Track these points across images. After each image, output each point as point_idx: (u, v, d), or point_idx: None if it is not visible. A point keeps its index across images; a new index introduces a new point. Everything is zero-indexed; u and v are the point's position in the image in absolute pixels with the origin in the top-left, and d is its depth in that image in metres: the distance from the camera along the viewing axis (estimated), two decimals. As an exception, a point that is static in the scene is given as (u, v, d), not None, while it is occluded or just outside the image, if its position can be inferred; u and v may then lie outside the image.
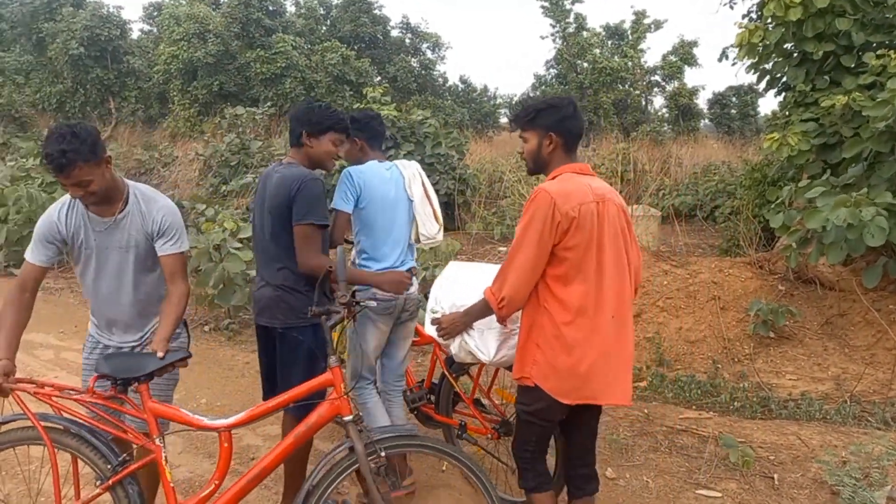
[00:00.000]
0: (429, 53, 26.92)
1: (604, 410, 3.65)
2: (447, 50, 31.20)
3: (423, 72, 26.21)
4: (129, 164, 12.61)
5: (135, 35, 23.13)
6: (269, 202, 2.54)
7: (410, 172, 3.03)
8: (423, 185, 3.06)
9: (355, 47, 23.23)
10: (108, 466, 2.10)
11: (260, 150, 10.25)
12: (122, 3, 51.96)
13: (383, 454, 2.11)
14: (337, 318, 2.17)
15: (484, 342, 2.50)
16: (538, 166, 2.40)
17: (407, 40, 26.60)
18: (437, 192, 3.72)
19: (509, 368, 2.50)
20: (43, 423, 2.10)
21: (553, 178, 2.30)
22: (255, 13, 19.42)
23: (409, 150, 8.44)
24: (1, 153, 12.87)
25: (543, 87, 27.49)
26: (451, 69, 74.85)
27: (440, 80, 28.01)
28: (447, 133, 9.11)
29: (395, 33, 26.23)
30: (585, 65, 24.99)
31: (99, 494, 2.15)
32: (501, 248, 7.72)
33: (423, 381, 3.38)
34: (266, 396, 2.66)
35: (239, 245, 5.61)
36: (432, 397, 3.26)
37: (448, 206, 8.58)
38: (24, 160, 10.03)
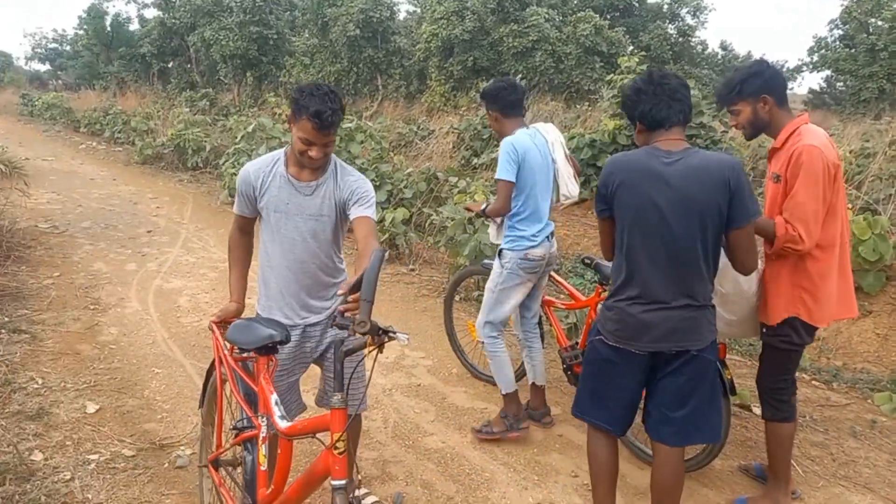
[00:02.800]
0: (688, 19, 25.07)
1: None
2: (709, 13, 28.75)
3: (680, 39, 24.51)
4: (392, 136, 13.64)
5: (401, 16, 24.94)
6: (702, 197, 2.13)
7: (553, 136, 3.21)
8: (564, 147, 3.26)
9: (608, 17, 22.48)
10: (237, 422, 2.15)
11: (511, 124, 10.42)
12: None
13: None
14: (356, 344, 1.78)
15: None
16: (758, 129, 2.67)
17: (665, 6, 25.02)
18: None
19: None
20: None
21: (792, 133, 2.54)
22: (510, -12, 19.67)
23: (666, 123, 7.94)
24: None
25: (823, 51, 24.11)
26: (712, 35, 68.74)
27: (699, 47, 26.00)
28: (710, 103, 8.37)
29: (651, 0, 24.85)
30: (880, 23, 21.35)
31: (225, 450, 2.28)
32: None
33: (577, 342, 3.52)
34: (623, 425, 2.42)
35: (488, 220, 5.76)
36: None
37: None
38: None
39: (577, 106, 14.20)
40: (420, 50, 20.56)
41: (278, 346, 2.10)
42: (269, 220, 2.38)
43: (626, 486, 3.02)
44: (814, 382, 4.29)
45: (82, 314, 5.03)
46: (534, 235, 3.15)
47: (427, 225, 7.17)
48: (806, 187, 2.42)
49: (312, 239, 2.38)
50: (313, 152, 2.22)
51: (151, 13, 28.98)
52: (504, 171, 3.01)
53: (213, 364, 2.42)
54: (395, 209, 6.84)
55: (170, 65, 28.05)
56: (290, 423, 1.89)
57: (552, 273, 3.53)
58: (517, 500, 2.90)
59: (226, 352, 2.25)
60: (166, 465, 3.04)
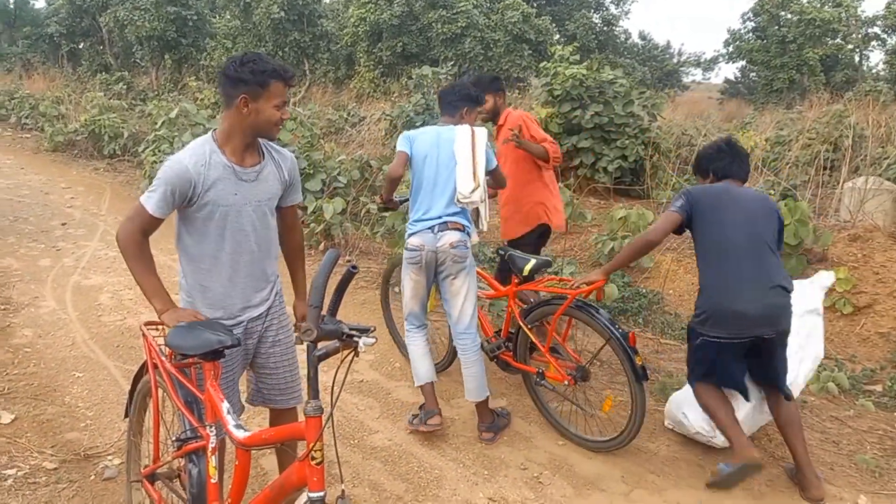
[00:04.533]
0: (612, 8, 25.64)
1: (843, 421, 3.33)
2: (632, 4, 29.51)
3: (604, 28, 25.04)
4: (322, 123, 13.33)
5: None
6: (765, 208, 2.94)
7: (462, 137, 3.19)
8: (471, 147, 3.16)
9: (535, 4, 22.69)
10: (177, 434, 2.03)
11: (443, 111, 10.36)
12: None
13: None
14: (330, 349, 1.76)
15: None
16: (495, 115, 4.05)
17: (589, -5, 25.52)
18: (625, 156, 5.85)
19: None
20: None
21: (507, 115, 3.97)
22: (438, -27, 19.55)
23: (597, 110, 8.04)
24: (213, 112, 14.23)
25: (738, 43, 25.16)
26: (632, 25, 70.57)
27: (622, 36, 26.65)
28: (640, 92, 8.55)
29: (577, -12, 25.24)
30: (790, 16, 22.44)
31: (165, 463, 2.16)
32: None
33: (499, 331, 3.68)
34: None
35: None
36: (510, 346, 3.55)
37: (635, 173, 8.10)
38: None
39: (507, 94, 14.28)
40: (348, 34, 20.19)
41: (224, 351, 1.97)
42: (212, 216, 2.15)
43: (574, 475, 3.04)
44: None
45: (-9, 315, 4.66)
46: (414, 222, 3.23)
47: (363, 214, 7.03)
48: (538, 127, 3.89)
49: (262, 228, 2.26)
50: (283, 114, 2.14)
51: (58, -10, 27.23)
52: (398, 145, 3.28)
53: (140, 370, 2.26)
54: (330, 199, 6.66)
55: (80, 46, 26.43)
56: (248, 433, 1.78)
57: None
58: (468, 496, 2.86)
59: (162, 357, 2.09)
60: (93, 477, 2.83)
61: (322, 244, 6.62)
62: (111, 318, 4.81)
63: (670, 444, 3.33)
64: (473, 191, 3.13)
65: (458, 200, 3.16)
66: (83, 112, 13.39)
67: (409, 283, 3.30)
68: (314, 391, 1.70)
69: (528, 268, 3.34)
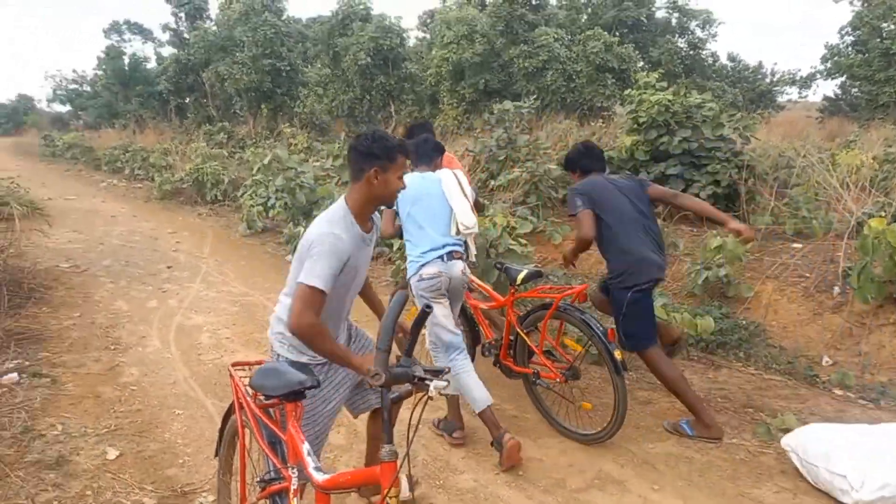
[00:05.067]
0: (698, 32, 25.00)
1: None
2: (719, 26, 28.64)
3: (690, 52, 24.43)
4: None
5: (411, 42, 25.13)
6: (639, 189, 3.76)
7: (448, 179, 3.63)
8: (463, 187, 3.66)
9: (617, 33, 22.45)
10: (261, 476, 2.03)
11: (527, 144, 10.33)
12: (401, 13, 56.68)
13: None
14: (403, 392, 1.78)
15: None
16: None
17: (673, 20, 25.01)
18: (717, 181, 6.14)
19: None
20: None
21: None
22: (518, 9, 19.74)
23: (685, 136, 7.79)
24: (306, 156, 14.87)
25: (837, 58, 23.86)
26: (720, 47, 68.46)
27: (709, 59, 25.87)
28: (731, 115, 8.23)
29: (660, 14, 24.83)
30: (892, 27, 21.13)
31: (255, 502, 2.14)
32: (795, 245, 6.75)
33: (500, 337, 4.01)
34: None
35: (513, 243, 5.62)
36: (510, 351, 3.89)
37: (730, 199, 7.74)
38: (325, 161, 11.37)
39: (592, 123, 14.11)
40: (431, 75, 20.67)
41: (305, 392, 2.00)
42: (345, 280, 2.35)
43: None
44: (860, 401, 4.10)
45: (103, 355, 4.98)
46: (422, 254, 3.47)
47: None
48: None
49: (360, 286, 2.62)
50: (399, 184, 2.43)
51: (167, 51, 29.58)
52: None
53: (229, 409, 2.32)
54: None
55: (186, 100, 28.46)
56: (327, 476, 1.78)
57: (474, 279, 4.02)
58: (556, 541, 2.75)
59: (248, 397, 2.15)
60: (189, 513, 2.94)
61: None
62: (209, 356, 5.02)
63: (779, 490, 3.08)
64: (475, 224, 3.65)
65: (459, 232, 3.57)
66: (188, 161, 14.33)
67: (443, 308, 3.51)
68: (387, 436, 1.68)
69: (520, 277, 3.70)
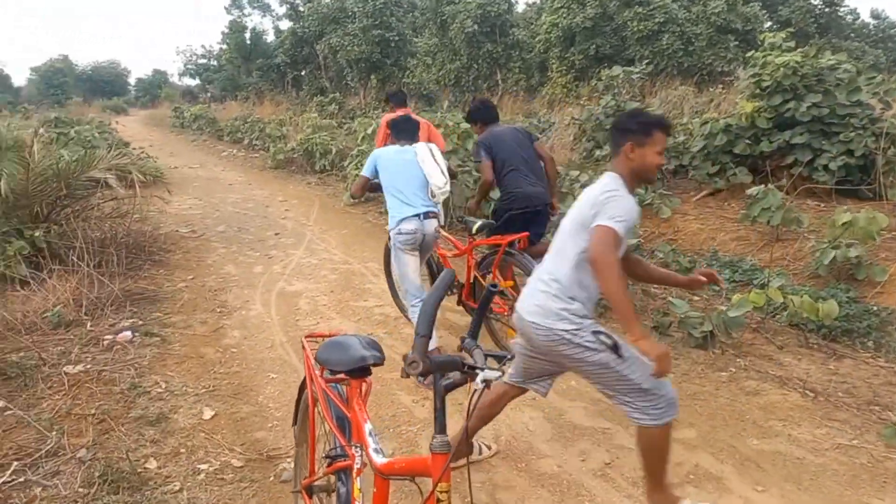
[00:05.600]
0: (837, -14, 22.75)
1: None
2: (862, -21, 25.88)
3: (825, 9, 22.29)
4: (512, 131, 13.38)
5: (520, 8, 24.56)
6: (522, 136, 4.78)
7: (422, 151, 4.23)
8: (433, 155, 4.23)
9: (744, -9, 20.84)
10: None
11: (636, 112, 9.82)
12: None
13: None
14: (457, 380, 1.61)
15: None
16: None
17: (808, -26, 22.85)
18: (850, 151, 6.27)
19: None
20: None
21: None
22: (635, -32, 18.75)
23: (815, 101, 7.07)
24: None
25: None
26: (862, 3, 62.01)
27: (848, 17, 23.51)
28: (870, 78, 7.38)
29: (793, -31, 22.72)
30: None
31: (319, 478, 2.13)
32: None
33: (461, 282, 4.64)
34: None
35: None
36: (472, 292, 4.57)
37: (864, 170, 6.98)
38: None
39: (710, 89, 13.20)
40: (540, 42, 20.11)
41: (371, 368, 1.94)
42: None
43: None
44: None
45: (209, 317, 5.23)
46: (402, 212, 4.10)
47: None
48: None
49: None
50: (663, 160, 2.53)
51: (285, 25, 30.62)
52: (365, 170, 4.36)
53: (304, 381, 2.31)
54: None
55: (302, 72, 29.44)
56: (386, 460, 1.71)
57: (443, 232, 4.59)
58: (641, 539, 2.57)
59: (316, 371, 2.12)
60: (272, 478, 3.00)
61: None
62: (306, 322, 5.15)
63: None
64: (446, 183, 4.20)
65: (433, 193, 4.17)
66: (300, 132, 14.80)
67: (410, 261, 4.16)
68: (440, 425, 1.56)
69: (475, 227, 4.47)
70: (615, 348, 2.34)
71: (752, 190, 6.38)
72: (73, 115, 20.90)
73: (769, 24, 20.83)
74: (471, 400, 1.55)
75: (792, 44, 7.81)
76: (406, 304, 4.46)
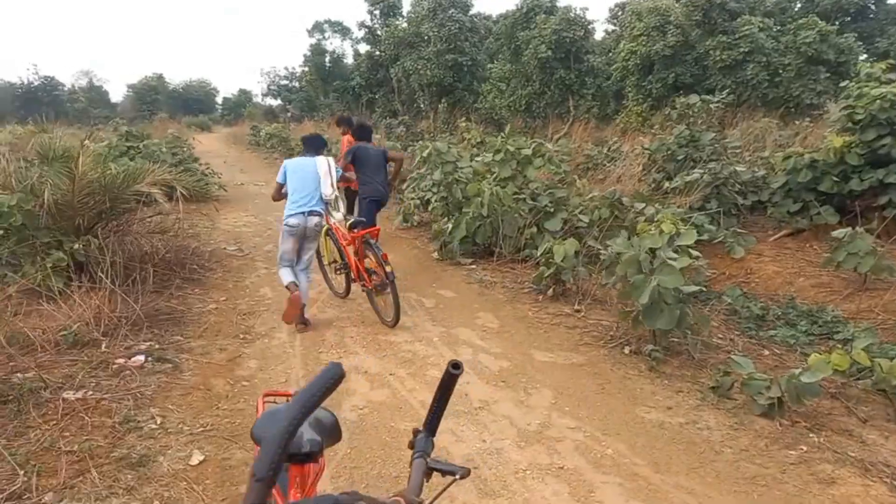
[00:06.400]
0: (945, 16, 21.11)
1: None
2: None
3: (933, 41, 20.65)
4: (578, 159, 12.84)
5: (598, 36, 23.99)
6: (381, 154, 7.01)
7: (322, 163, 5.52)
8: (331, 167, 5.55)
9: (837, 22, 19.59)
10: None
11: (711, 143, 9.12)
12: (588, 4, 54.53)
13: None
14: None
15: None
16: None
17: (912, 5, 21.32)
18: None
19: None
20: None
21: None
22: (719, -3, 17.92)
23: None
24: (477, 151, 14.61)
25: None
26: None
27: (956, 50, 21.72)
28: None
29: (893, 0, 21.31)
30: None
31: None
32: None
33: (346, 262, 5.97)
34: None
35: (674, 255, 4.70)
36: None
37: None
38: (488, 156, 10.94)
39: (797, 122, 12.29)
40: (617, 69, 19.48)
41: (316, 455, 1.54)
42: None
43: None
44: None
45: (230, 343, 4.97)
46: (292, 209, 5.34)
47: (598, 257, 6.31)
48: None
49: None
50: None
51: (363, 48, 31.15)
52: (278, 177, 5.55)
53: None
54: (563, 240, 6.06)
55: (376, 95, 29.77)
56: None
57: (335, 224, 5.83)
58: None
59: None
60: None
61: (551, 290, 6.05)
62: (329, 355, 4.80)
63: None
64: (332, 194, 5.49)
65: (324, 198, 5.44)
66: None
67: (290, 242, 5.40)
68: None
69: (349, 224, 5.70)
70: None
71: (839, 232, 5.72)
72: (155, 130, 21.72)
73: (865, 56, 19.49)
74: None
75: (892, 76, 7.04)
76: (279, 268, 5.47)
